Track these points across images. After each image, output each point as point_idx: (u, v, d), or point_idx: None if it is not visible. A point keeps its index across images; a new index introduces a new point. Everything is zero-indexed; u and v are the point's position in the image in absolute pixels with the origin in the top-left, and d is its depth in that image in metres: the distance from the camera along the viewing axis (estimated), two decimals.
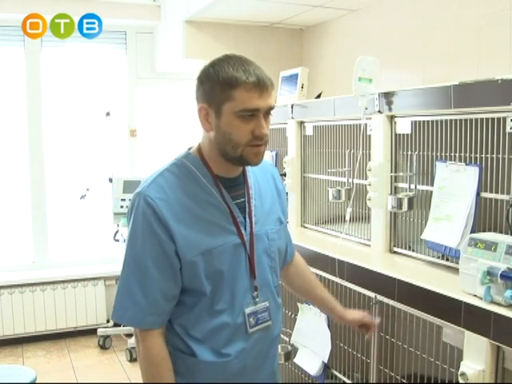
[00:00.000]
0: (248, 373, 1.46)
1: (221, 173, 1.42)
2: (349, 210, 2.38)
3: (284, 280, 1.76)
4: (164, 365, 1.37)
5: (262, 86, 1.31)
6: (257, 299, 1.45)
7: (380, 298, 2.00)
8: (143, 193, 1.35)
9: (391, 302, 1.94)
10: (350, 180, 2.48)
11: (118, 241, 4.07)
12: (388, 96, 2.13)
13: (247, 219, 1.44)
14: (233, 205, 1.42)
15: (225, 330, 1.40)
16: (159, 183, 1.37)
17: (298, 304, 2.49)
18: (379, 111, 2.18)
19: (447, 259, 1.96)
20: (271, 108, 1.35)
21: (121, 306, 1.38)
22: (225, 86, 1.31)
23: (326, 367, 2.34)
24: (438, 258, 2.01)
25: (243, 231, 1.42)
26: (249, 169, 1.50)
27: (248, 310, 1.43)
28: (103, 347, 4.06)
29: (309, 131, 2.77)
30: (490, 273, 1.54)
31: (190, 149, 1.47)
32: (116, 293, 1.40)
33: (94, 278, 4.29)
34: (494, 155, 1.77)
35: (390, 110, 2.14)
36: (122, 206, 4.00)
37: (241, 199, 1.45)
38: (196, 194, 1.38)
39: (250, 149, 1.34)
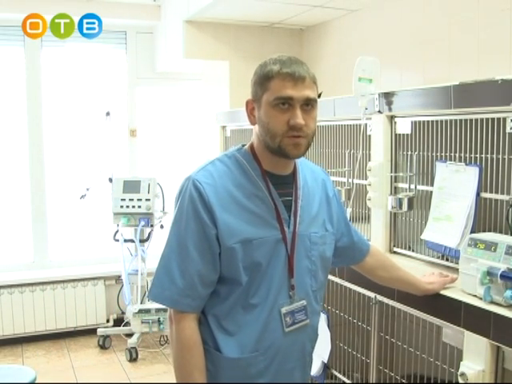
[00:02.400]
0: (274, 374, 1.43)
1: (270, 169, 1.45)
2: (349, 210, 2.38)
3: (366, 274, 1.77)
4: (196, 348, 1.38)
5: (296, 76, 1.35)
6: (293, 298, 1.44)
7: (380, 298, 2.00)
8: (192, 177, 1.40)
9: (391, 302, 1.94)
10: (350, 180, 2.48)
11: (117, 241, 4.06)
12: (388, 96, 2.13)
13: (292, 218, 1.45)
14: (279, 201, 1.44)
15: (256, 325, 1.40)
16: (209, 170, 1.42)
17: None
18: (379, 111, 2.18)
19: (447, 259, 1.96)
20: (309, 99, 1.37)
21: (158, 285, 1.40)
22: (263, 78, 1.38)
23: (326, 367, 2.34)
24: (438, 258, 2.01)
25: (286, 229, 1.43)
26: (299, 170, 1.52)
27: (284, 310, 1.43)
28: (103, 347, 4.06)
29: None
30: (489, 273, 1.54)
31: (243, 145, 1.51)
32: (155, 271, 1.42)
33: (93, 278, 4.29)
34: (494, 155, 1.77)
35: (389, 110, 2.14)
36: (121, 206, 4.00)
37: (288, 197, 1.47)
38: (243, 185, 1.41)
39: (288, 140, 1.36)
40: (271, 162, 1.44)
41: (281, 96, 1.34)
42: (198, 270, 1.37)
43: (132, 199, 4.01)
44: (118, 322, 4.31)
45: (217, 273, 1.39)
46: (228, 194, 1.39)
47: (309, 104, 1.38)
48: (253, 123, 1.45)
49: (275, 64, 1.37)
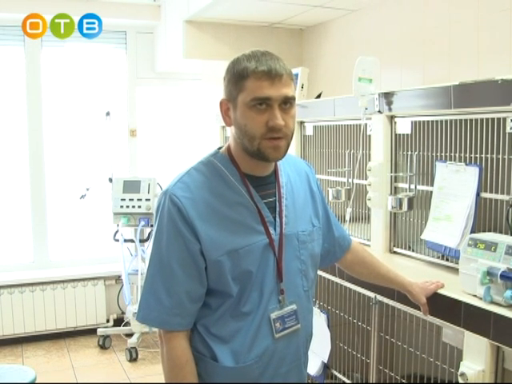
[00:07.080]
0: (269, 378, 1.40)
1: (249, 171, 1.39)
2: (349, 210, 2.38)
3: (345, 269, 1.74)
4: (188, 367, 1.34)
5: (273, 74, 1.28)
6: (283, 303, 1.39)
7: (380, 298, 2.00)
8: (169, 192, 1.34)
9: (391, 302, 1.94)
10: (350, 180, 2.48)
11: (117, 241, 4.07)
12: (388, 96, 2.13)
13: (277, 219, 1.40)
14: (261, 204, 1.39)
15: (247, 333, 1.36)
16: (185, 182, 1.36)
17: None
18: (379, 111, 2.18)
19: (447, 259, 1.96)
20: (287, 98, 1.30)
21: (145, 306, 1.36)
22: (237, 77, 1.30)
23: (326, 367, 2.34)
24: (438, 258, 2.01)
25: (272, 231, 1.38)
26: (281, 167, 1.46)
27: (274, 315, 1.38)
28: (103, 347, 4.06)
29: (309, 131, 2.77)
30: (489, 273, 1.54)
31: (219, 148, 1.45)
32: (141, 293, 1.39)
33: (93, 278, 4.29)
34: (494, 155, 1.77)
35: (389, 110, 2.14)
36: (121, 206, 4.01)
37: (271, 198, 1.41)
38: (223, 194, 1.36)
39: (267, 142, 1.30)
40: (250, 164, 1.38)
41: (258, 96, 1.27)
42: (185, 287, 1.32)
43: (132, 199, 4.02)
44: (118, 322, 4.32)
45: (204, 287, 1.35)
46: (207, 205, 1.33)
47: (287, 103, 1.31)
48: (228, 125, 1.37)
49: (249, 61, 1.29)
